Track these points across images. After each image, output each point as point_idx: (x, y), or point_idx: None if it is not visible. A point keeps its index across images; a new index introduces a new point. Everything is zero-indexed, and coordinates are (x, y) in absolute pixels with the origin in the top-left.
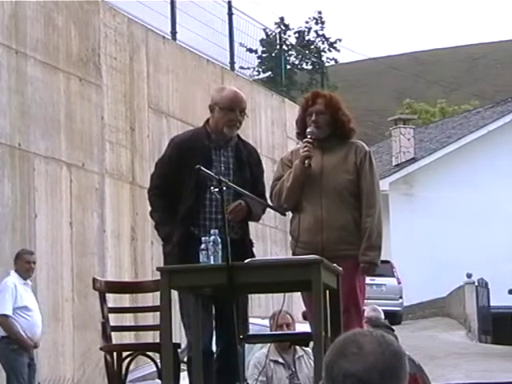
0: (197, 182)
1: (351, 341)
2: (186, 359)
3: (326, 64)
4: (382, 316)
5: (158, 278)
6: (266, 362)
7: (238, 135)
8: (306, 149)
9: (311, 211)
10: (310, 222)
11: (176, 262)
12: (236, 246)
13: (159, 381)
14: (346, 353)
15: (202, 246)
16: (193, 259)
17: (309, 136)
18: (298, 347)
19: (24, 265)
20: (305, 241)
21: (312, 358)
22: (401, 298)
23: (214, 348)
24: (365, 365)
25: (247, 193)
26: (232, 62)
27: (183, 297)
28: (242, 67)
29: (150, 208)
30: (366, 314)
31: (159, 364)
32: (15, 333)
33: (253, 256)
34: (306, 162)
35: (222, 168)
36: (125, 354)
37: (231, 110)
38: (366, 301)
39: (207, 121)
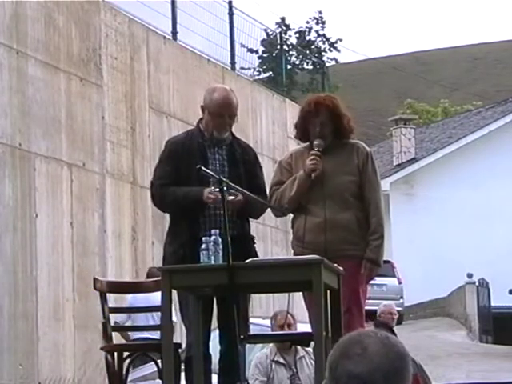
0: (199, 179)
1: (355, 341)
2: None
3: (327, 64)
4: None
5: (159, 278)
6: (267, 362)
7: (232, 134)
8: (313, 162)
9: (315, 212)
10: (314, 223)
11: (184, 262)
12: (237, 243)
13: (160, 381)
14: (349, 353)
15: (203, 246)
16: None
17: (316, 149)
18: (299, 347)
19: None
20: (308, 241)
21: (313, 358)
22: (401, 297)
23: (210, 348)
24: (369, 366)
25: (246, 192)
26: (233, 62)
27: (183, 298)
28: (242, 67)
29: (162, 207)
30: None
31: (160, 364)
32: None
33: (254, 253)
34: (313, 175)
35: (218, 165)
36: (125, 353)
37: (220, 115)
38: (366, 301)
39: (200, 120)
